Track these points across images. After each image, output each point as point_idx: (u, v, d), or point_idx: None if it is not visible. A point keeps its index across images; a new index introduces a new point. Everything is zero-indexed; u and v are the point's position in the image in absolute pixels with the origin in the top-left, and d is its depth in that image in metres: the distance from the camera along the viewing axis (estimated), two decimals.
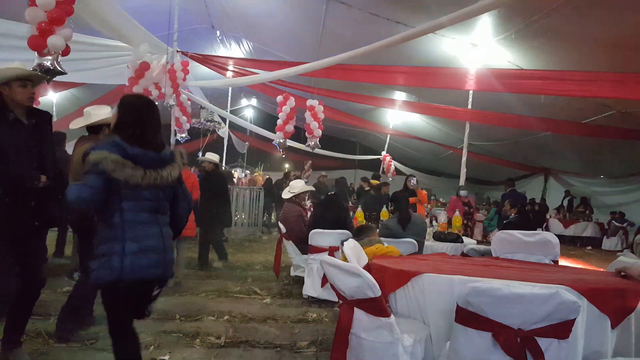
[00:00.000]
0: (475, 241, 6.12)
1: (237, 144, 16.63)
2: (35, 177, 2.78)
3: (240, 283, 5.57)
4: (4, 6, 5.26)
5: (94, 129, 3.38)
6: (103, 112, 3.33)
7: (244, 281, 5.69)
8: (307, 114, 8.07)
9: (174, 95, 6.60)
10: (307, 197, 7.15)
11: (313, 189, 6.63)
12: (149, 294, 2.41)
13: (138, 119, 2.29)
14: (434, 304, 2.54)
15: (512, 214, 6.12)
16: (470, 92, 7.39)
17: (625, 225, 11.48)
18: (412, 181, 7.94)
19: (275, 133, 8.52)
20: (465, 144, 8.28)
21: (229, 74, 8.33)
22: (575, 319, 1.90)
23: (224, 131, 12.95)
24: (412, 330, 2.45)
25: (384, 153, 14.48)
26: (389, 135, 13.80)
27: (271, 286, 5.48)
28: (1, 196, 2.72)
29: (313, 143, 8.33)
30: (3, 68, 2.80)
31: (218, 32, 9.84)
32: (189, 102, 8.49)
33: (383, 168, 14.63)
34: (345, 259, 2.97)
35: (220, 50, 10.55)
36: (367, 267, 2.98)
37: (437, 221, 6.30)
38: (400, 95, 10.23)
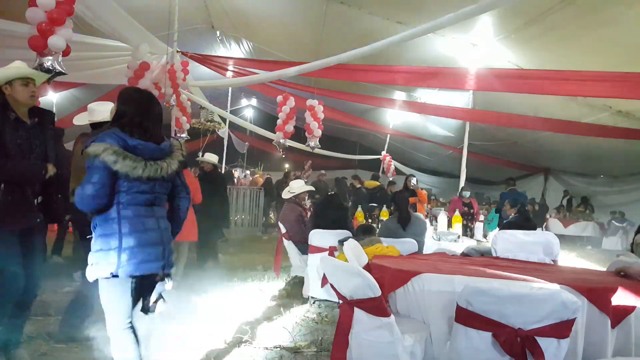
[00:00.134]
0: (475, 241, 6.13)
1: (237, 144, 16.64)
2: (41, 168, 2.79)
3: (240, 283, 5.57)
4: (4, 6, 5.26)
5: (97, 125, 3.39)
6: (107, 109, 3.33)
7: (244, 281, 5.69)
8: (307, 114, 8.07)
9: (174, 95, 6.60)
10: (306, 197, 7.14)
11: (313, 188, 6.62)
12: (150, 288, 2.40)
13: (137, 109, 2.28)
14: (434, 304, 2.54)
15: (512, 214, 6.11)
16: (470, 92, 7.40)
17: (625, 225, 11.47)
18: (412, 181, 7.94)
19: (275, 133, 8.52)
20: (465, 144, 8.28)
21: (229, 74, 8.33)
22: (575, 318, 1.90)
23: (223, 131, 12.95)
24: (412, 330, 2.45)
25: (384, 153, 14.47)
26: (389, 135, 13.80)
27: (271, 286, 5.48)
28: (4, 194, 2.72)
29: (313, 143, 8.32)
30: (4, 67, 2.81)
31: (218, 32, 9.83)
32: (189, 102, 8.48)
33: (383, 168, 14.63)
34: (343, 259, 2.98)
35: (220, 50, 10.54)
36: (367, 267, 2.99)
37: (437, 221, 6.31)
38: (400, 95, 10.23)
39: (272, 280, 5.78)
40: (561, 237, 4.89)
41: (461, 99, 8.38)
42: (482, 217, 7.07)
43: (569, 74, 5.46)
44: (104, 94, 9.03)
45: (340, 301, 2.59)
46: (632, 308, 2.37)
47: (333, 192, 6.83)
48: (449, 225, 6.00)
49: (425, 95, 9.51)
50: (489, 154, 13.16)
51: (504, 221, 6.46)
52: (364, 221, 6.22)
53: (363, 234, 4.12)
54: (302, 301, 4.86)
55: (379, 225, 5.70)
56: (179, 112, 7.55)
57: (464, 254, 4.29)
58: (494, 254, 3.80)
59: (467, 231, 7.35)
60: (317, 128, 8.14)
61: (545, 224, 12.05)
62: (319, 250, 4.78)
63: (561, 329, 1.90)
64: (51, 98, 9.60)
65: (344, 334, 2.43)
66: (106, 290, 2.25)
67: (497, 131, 10.46)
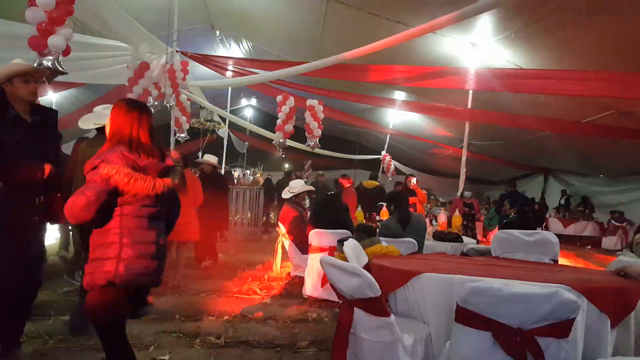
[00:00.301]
0: (475, 241, 6.13)
1: (237, 144, 16.63)
2: (38, 167, 2.76)
3: (240, 283, 5.57)
4: (4, 6, 5.26)
5: (102, 128, 3.39)
6: None
7: (244, 281, 5.69)
8: (307, 114, 8.07)
9: (174, 95, 6.59)
10: (306, 197, 7.15)
11: (313, 188, 6.62)
12: (141, 298, 2.41)
13: (136, 125, 2.29)
14: (433, 304, 2.55)
15: (512, 214, 6.12)
16: (470, 91, 7.39)
17: (624, 224, 11.48)
18: (412, 181, 7.95)
19: (275, 133, 8.51)
20: (465, 143, 8.28)
21: (229, 74, 8.32)
22: (575, 318, 1.91)
23: (223, 131, 12.95)
24: (412, 330, 2.45)
25: (383, 153, 14.48)
26: (388, 135, 13.81)
27: (271, 286, 5.48)
28: (3, 192, 2.71)
29: (313, 143, 8.32)
30: (5, 65, 2.81)
31: (218, 32, 9.82)
32: (188, 102, 8.48)
33: (383, 168, 14.64)
34: (343, 258, 2.97)
35: (220, 50, 10.54)
36: (367, 267, 2.99)
37: (437, 221, 6.31)
38: (400, 95, 10.23)
39: (272, 280, 5.78)
40: (561, 237, 4.89)
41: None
42: (482, 217, 7.09)
43: (569, 74, 5.47)
44: (104, 94, 9.03)
45: (340, 301, 2.59)
46: (632, 308, 2.37)
47: (333, 192, 6.83)
48: (449, 225, 6.00)
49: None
50: (489, 154, 13.16)
51: (504, 221, 6.48)
52: (364, 221, 6.22)
53: (363, 234, 4.11)
54: (302, 301, 4.86)
55: (378, 226, 5.70)
56: (178, 112, 7.54)
57: (464, 254, 4.29)
58: (493, 254, 3.80)
59: (468, 231, 7.36)
60: (317, 128, 8.13)
61: (545, 223, 12.06)
62: (319, 250, 4.78)
63: (561, 329, 1.90)
64: (51, 98, 9.58)
65: (344, 334, 2.43)
66: (99, 299, 2.24)
67: (497, 131, 10.45)
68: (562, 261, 4.05)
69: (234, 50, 10.46)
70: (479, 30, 6.20)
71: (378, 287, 2.31)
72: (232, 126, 14.10)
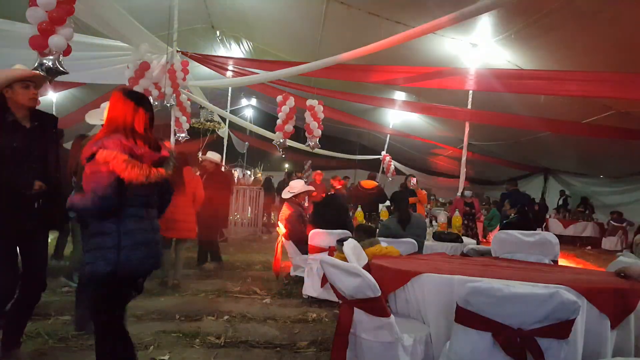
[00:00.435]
0: (475, 241, 6.13)
1: (237, 144, 16.63)
2: (27, 184, 2.72)
3: (240, 283, 5.57)
4: (4, 6, 5.26)
5: None
6: None
7: (244, 281, 5.70)
8: (307, 114, 8.06)
9: (174, 95, 6.59)
10: (306, 197, 7.14)
11: (313, 189, 6.62)
12: (138, 284, 2.45)
13: (133, 114, 2.31)
14: (433, 304, 2.55)
15: (512, 214, 6.12)
16: (470, 92, 7.39)
17: (624, 224, 11.48)
18: (412, 181, 7.95)
19: (275, 133, 8.51)
20: (465, 143, 8.27)
21: (229, 74, 8.32)
22: (575, 319, 1.91)
23: (223, 131, 12.95)
24: (412, 330, 2.45)
25: (383, 153, 14.47)
26: (388, 135, 13.80)
27: (271, 286, 5.49)
28: (3, 197, 2.71)
29: (313, 143, 8.31)
30: (5, 70, 2.80)
31: (218, 32, 9.82)
32: (188, 102, 8.47)
33: (383, 168, 14.63)
34: (342, 259, 2.98)
35: (220, 50, 10.53)
36: (367, 267, 2.99)
37: (437, 221, 6.31)
38: (400, 95, 10.22)
39: (272, 280, 5.78)
40: (561, 237, 4.89)
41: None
42: (482, 217, 7.08)
43: (568, 74, 5.46)
44: (104, 94, 9.02)
45: (340, 301, 2.59)
46: (632, 308, 2.37)
47: (333, 193, 6.83)
48: (449, 225, 6.00)
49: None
50: (489, 154, 13.16)
51: (504, 221, 6.48)
52: (364, 221, 6.22)
53: (363, 234, 4.12)
54: (301, 301, 4.86)
55: (378, 226, 5.70)
56: (178, 111, 7.54)
57: (464, 254, 4.29)
58: (493, 254, 3.80)
59: (469, 231, 7.37)
60: (317, 128, 8.13)
61: (545, 224, 12.07)
62: (318, 250, 4.79)
63: (561, 329, 1.90)
64: (51, 98, 9.59)
65: (344, 334, 2.43)
66: (102, 287, 2.28)
67: (497, 131, 10.45)
68: (562, 262, 4.05)
69: (235, 50, 10.46)
70: (479, 31, 6.20)
71: (378, 287, 2.31)
72: (232, 126, 14.09)
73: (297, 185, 6.03)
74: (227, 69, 8.23)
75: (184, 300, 4.68)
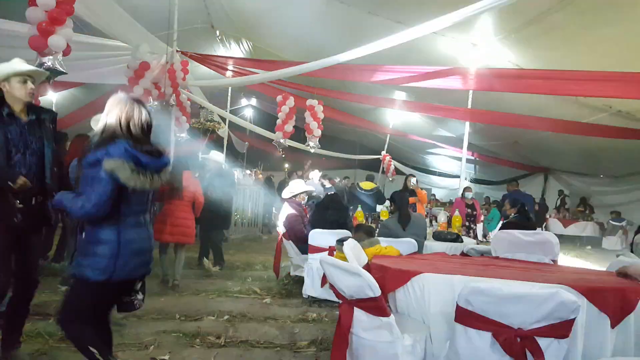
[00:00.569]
0: (475, 241, 6.13)
1: (237, 144, 16.62)
2: (11, 177, 2.66)
3: (240, 283, 5.57)
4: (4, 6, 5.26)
5: None
6: None
7: (244, 281, 5.69)
8: (307, 114, 8.07)
9: (174, 95, 6.59)
10: (306, 197, 7.14)
11: (313, 189, 6.62)
12: (130, 290, 2.45)
13: (136, 119, 2.30)
14: (433, 304, 2.55)
15: (512, 214, 6.11)
16: (470, 91, 7.39)
17: (623, 223, 11.48)
18: (412, 181, 7.93)
19: (274, 133, 8.51)
20: (465, 143, 8.27)
21: (229, 73, 8.32)
22: (575, 318, 1.91)
23: (223, 131, 12.94)
24: (412, 330, 2.45)
25: (383, 153, 14.47)
26: (388, 135, 13.80)
27: (271, 286, 5.48)
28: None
29: (313, 143, 8.32)
30: (3, 64, 2.80)
31: (218, 32, 9.82)
32: (188, 102, 8.48)
33: (383, 168, 14.63)
34: (342, 258, 2.97)
35: (220, 50, 10.53)
36: (367, 267, 2.99)
37: (437, 221, 6.31)
38: (400, 95, 10.22)
39: (272, 280, 5.78)
40: (561, 237, 4.90)
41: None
42: (482, 217, 7.07)
43: (569, 74, 5.45)
44: (104, 93, 9.03)
45: (340, 301, 2.59)
46: (632, 308, 2.36)
47: (333, 192, 6.83)
48: (449, 225, 6.00)
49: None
50: (489, 154, 13.15)
51: (504, 221, 6.47)
52: (364, 221, 6.22)
53: (362, 234, 4.11)
54: (301, 301, 4.86)
55: (378, 226, 5.70)
56: (178, 111, 7.54)
57: (464, 254, 4.29)
58: (493, 254, 3.80)
59: (470, 232, 7.35)
60: (317, 128, 8.14)
61: (545, 223, 12.06)
62: (318, 250, 4.79)
63: (561, 329, 1.90)
64: (51, 98, 9.59)
65: (344, 334, 2.43)
66: (89, 292, 2.26)
67: (497, 131, 10.45)
68: (562, 261, 4.05)
69: (234, 50, 10.46)
70: (479, 30, 6.20)
71: (378, 287, 2.31)
72: (232, 126, 14.08)
73: (297, 186, 6.03)
74: (227, 69, 8.23)
75: (184, 300, 4.68)
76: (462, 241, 5.22)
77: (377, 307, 2.33)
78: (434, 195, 15.69)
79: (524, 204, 6.03)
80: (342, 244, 3.22)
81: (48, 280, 4.66)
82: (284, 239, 5.56)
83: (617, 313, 2.34)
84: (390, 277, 2.75)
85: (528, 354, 1.88)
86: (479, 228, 6.93)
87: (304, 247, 5.14)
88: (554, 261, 3.67)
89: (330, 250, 4.63)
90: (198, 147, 9.61)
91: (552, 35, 5.80)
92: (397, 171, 15.08)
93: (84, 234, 2.28)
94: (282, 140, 8.22)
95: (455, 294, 2.12)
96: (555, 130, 8.79)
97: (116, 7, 5.33)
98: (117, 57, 6.64)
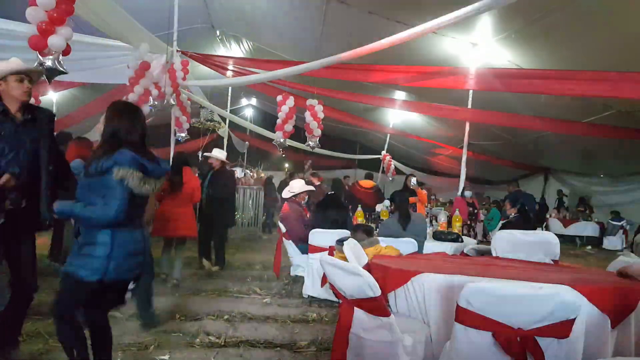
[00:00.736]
0: (475, 240, 6.13)
1: (237, 144, 16.62)
2: None
3: (240, 283, 5.57)
4: (4, 6, 5.26)
5: None
6: None
7: (244, 281, 5.69)
8: (307, 114, 8.06)
9: (174, 94, 6.59)
10: (306, 197, 7.15)
11: (313, 188, 6.61)
12: (122, 291, 2.49)
13: (136, 127, 2.38)
14: (434, 304, 2.55)
15: (512, 214, 6.11)
16: (470, 91, 7.38)
17: (622, 223, 11.47)
18: (412, 181, 7.93)
19: (275, 132, 8.51)
20: (465, 143, 8.26)
21: (229, 73, 8.31)
22: (575, 318, 1.91)
23: (223, 131, 12.94)
24: (412, 330, 2.45)
25: (384, 152, 14.47)
26: (389, 135, 13.80)
27: (271, 286, 5.49)
28: None
29: (313, 142, 8.31)
30: (1, 62, 2.79)
31: (218, 32, 9.82)
32: (188, 102, 8.48)
33: (383, 167, 14.63)
34: (343, 258, 2.97)
35: (220, 50, 10.53)
36: (367, 267, 2.99)
37: (437, 221, 6.31)
38: (400, 95, 10.21)
39: (272, 280, 5.78)
40: (561, 237, 4.89)
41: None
42: (482, 217, 7.07)
43: (569, 73, 5.45)
44: (103, 93, 9.03)
45: (340, 301, 2.59)
46: (632, 308, 2.37)
47: (333, 192, 6.82)
48: (449, 225, 6.00)
49: None
50: (489, 154, 13.15)
51: (504, 221, 6.47)
52: (364, 221, 6.22)
53: (362, 234, 4.11)
54: (301, 300, 4.86)
55: (378, 225, 5.70)
56: (178, 111, 7.54)
57: (464, 254, 4.29)
58: (494, 254, 3.80)
59: (471, 230, 7.35)
60: (317, 128, 8.12)
61: (545, 223, 12.05)
62: (319, 249, 4.79)
63: (561, 329, 1.90)
64: (51, 98, 9.58)
65: (344, 334, 2.43)
66: (80, 291, 2.30)
67: (497, 131, 10.44)
68: (562, 261, 4.05)
69: (235, 50, 10.46)
70: (479, 30, 6.20)
71: (378, 287, 2.31)
72: (233, 126, 14.09)
73: (297, 185, 6.03)
74: (227, 69, 8.22)
75: (184, 300, 4.68)
76: (462, 241, 5.22)
77: (377, 307, 2.33)
78: (434, 195, 15.65)
79: (524, 204, 6.02)
80: (342, 244, 3.22)
81: (48, 280, 4.66)
82: (284, 238, 5.56)
83: (617, 313, 2.34)
84: (390, 277, 2.75)
85: (528, 354, 1.88)
86: (479, 228, 6.93)
87: (304, 247, 5.14)
88: (555, 261, 3.67)
89: (330, 250, 4.63)
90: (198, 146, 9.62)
91: (552, 35, 5.80)
92: (397, 171, 15.08)
93: (79, 237, 2.31)
94: (282, 140, 8.21)
95: (456, 294, 2.12)
96: (555, 130, 8.78)
97: (116, 7, 5.33)
98: (117, 57, 6.64)
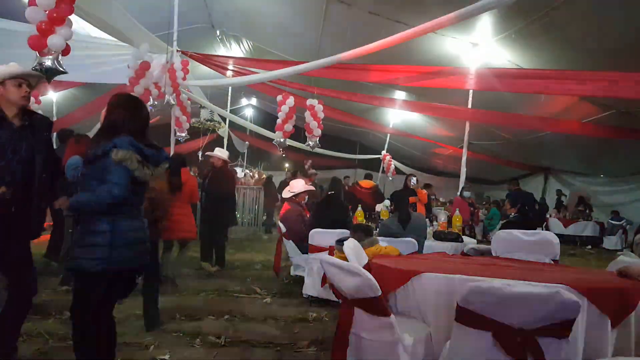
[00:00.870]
0: (475, 240, 6.12)
1: (237, 144, 16.62)
2: None
3: (240, 283, 5.57)
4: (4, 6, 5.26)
5: None
6: None
7: (244, 281, 5.69)
8: (307, 114, 8.05)
9: (174, 94, 6.59)
10: (306, 197, 7.15)
11: (313, 188, 6.62)
12: (129, 282, 2.50)
13: (137, 117, 2.43)
14: (434, 304, 2.54)
15: (512, 213, 6.11)
16: (471, 91, 7.38)
17: (622, 223, 11.47)
18: (412, 180, 7.93)
19: (275, 132, 8.50)
20: (465, 143, 8.27)
21: (229, 73, 8.31)
22: (575, 318, 1.90)
23: (223, 130, 12.95)
24: (412, 330, 2.44)
25: (384, 152, 14.47)
26: (389, 135, 13.80)
27: (271, 286, 5.48)
28: None
29: (313, 143, 8.31)
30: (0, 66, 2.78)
31: (218, 32, 9.82)
32: (189, 102, 8.48)
33: (383, 167, 14.63)
34: (343, 258, 2.97)
35: (220, 50, 10.53)
36: (367, 267, 2.98)
37: (437, 221, 6.30)
38: (400, 95, 10.22)
39: (272, 280, 5.78)
40: (561, 237, 4.89)
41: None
42: (482, 217, 7.06)
43: (569, 74, 5.46)
44: (103, 93, 9.03)
45: (341, 301, 2.59)
46: (633, 308, 2.36)
47: (333, 192, 6.81)
48: (449, 225, 5.99)
49: None
50: (489, 154, 13.15)
51: (504, 220, 6.47)
52: (364, 221, 6.21)
53: (362, 234, 4.11)
54: (301, 300, 4.86)
55: (378, 225, 5.70)
56: (178, 111, 7.54)
57: (464, 254, 4.29)
58: (494, 254, 3.80)
59: (471, 230, 7.35)
60: (317, 127, 8.12)
61: (545, 223, 12.05)
62: (319, 249, 4.79)
63: (561, 329, 1.89)
64: (51, 97, 9.58)
65: (344, 334, 2.43)
66: (87, 283, 2.31)
67: (497, 131, 10.45)
68: (562, 261, 4.05)
69: (235, 50, 10.46)
70: (479, 30, 6.20)
71: (378, 287, 2.31)
72: (233, 126, 14.10)
73: (297, 185, 6.03)
74: (227, 69, 8.23)
75: (184, 300, 4.68)
76: (462, 241, 5.22)
77: (378, 307, 2.32)
78: (434, 195, 15.62)
79: (524, 203, 6.02)
80: (342, 244, 3.22)
81: (48, 280, 4.67)
82: (284, 238, 5.56)
83: (617, 313, 2.34)
84: (391, 276, 2.74)
85: (528, 354, 1.87)
86: (478, 226, 6.92)
87: (304, 247, 5.14)
88: (555, 261, 3.67)
89: (331, 250, 4.62)
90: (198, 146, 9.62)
91: (552, 35, 5.80)
92: (397, 171, 15.08)
93: (79, 226, 2.33)
94: (282, 140, 8.21)
95: (456, 294, 2.12)
96: (555, 130, 8.79)
97: (116, 6, 5.33)
98: (117, 56, 6.65)
